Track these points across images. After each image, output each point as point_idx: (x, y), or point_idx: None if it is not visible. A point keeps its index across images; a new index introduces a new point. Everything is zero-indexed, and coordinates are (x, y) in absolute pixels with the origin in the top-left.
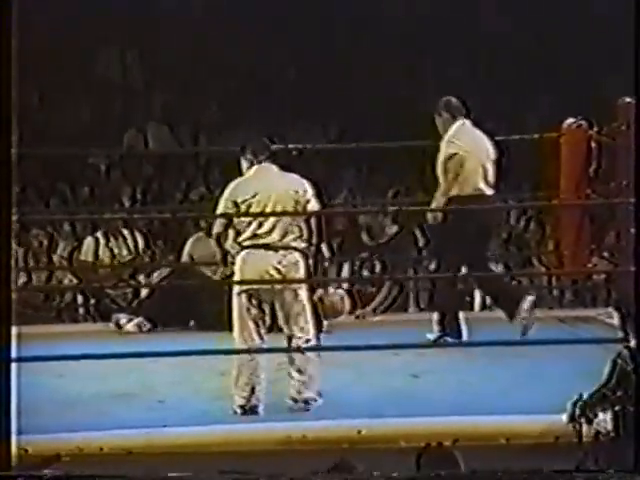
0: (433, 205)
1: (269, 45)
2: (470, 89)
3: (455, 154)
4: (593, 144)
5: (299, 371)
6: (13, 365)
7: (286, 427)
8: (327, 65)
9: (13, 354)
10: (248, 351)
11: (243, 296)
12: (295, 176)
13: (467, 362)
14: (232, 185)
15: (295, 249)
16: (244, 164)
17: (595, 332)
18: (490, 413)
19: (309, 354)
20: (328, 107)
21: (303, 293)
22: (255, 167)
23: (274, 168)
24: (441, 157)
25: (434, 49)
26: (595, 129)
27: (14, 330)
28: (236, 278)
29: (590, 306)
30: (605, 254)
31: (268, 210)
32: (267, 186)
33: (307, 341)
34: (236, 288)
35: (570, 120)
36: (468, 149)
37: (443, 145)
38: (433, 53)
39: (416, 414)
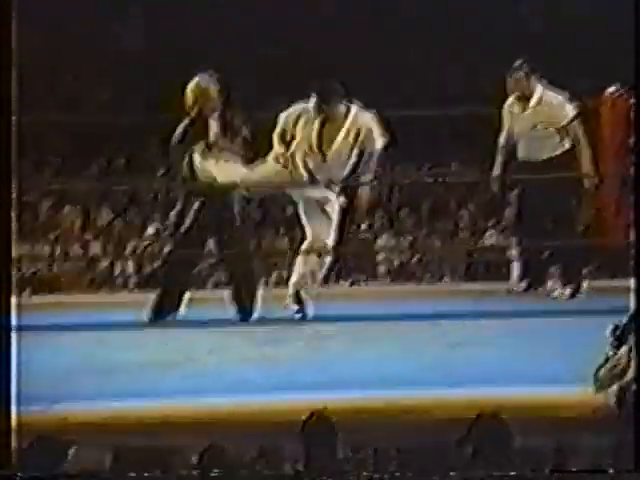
0: None
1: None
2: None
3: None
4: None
5: None
6: (54, 334)
7: (325, 397)
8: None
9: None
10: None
11: None
12: None
13: (507, 332)
14: None
15: None
16: None
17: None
18: (530, 384)
19: None
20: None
21: None
22: None
23: None
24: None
25: None
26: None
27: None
28: None
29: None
30: None
31: None
32: None
33: None
34: None
35: (612, 88)
36: None
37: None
38: None
39: (454, 384)
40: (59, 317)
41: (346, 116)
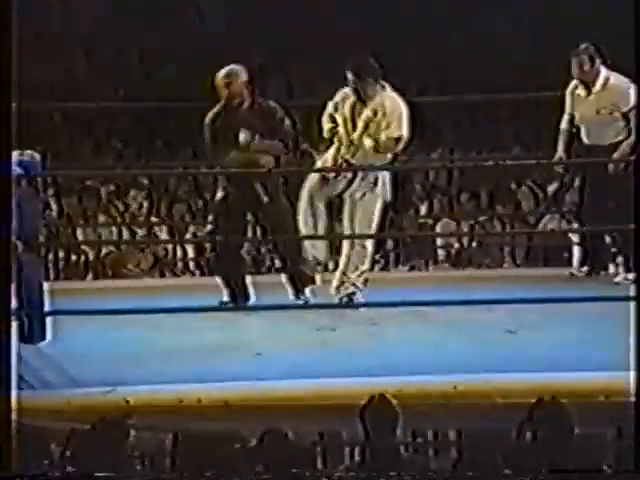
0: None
1: None
2: None
3: None
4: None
5: None
6: (116, 318)
7: (381, 382)
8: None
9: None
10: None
11: None
12: None
13: (562, 318)
14: None
15: None
16: None
17: None
18: (587, 369)
19: None
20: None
21: None
22: None
23: None
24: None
25: None
26: None
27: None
28: None
29: None
30: None
31: None
32: None
33: None
34: None
35: None
36: None
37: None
38: None
39: (512, 370)
40: (121, 301)
41: (374, 96)
